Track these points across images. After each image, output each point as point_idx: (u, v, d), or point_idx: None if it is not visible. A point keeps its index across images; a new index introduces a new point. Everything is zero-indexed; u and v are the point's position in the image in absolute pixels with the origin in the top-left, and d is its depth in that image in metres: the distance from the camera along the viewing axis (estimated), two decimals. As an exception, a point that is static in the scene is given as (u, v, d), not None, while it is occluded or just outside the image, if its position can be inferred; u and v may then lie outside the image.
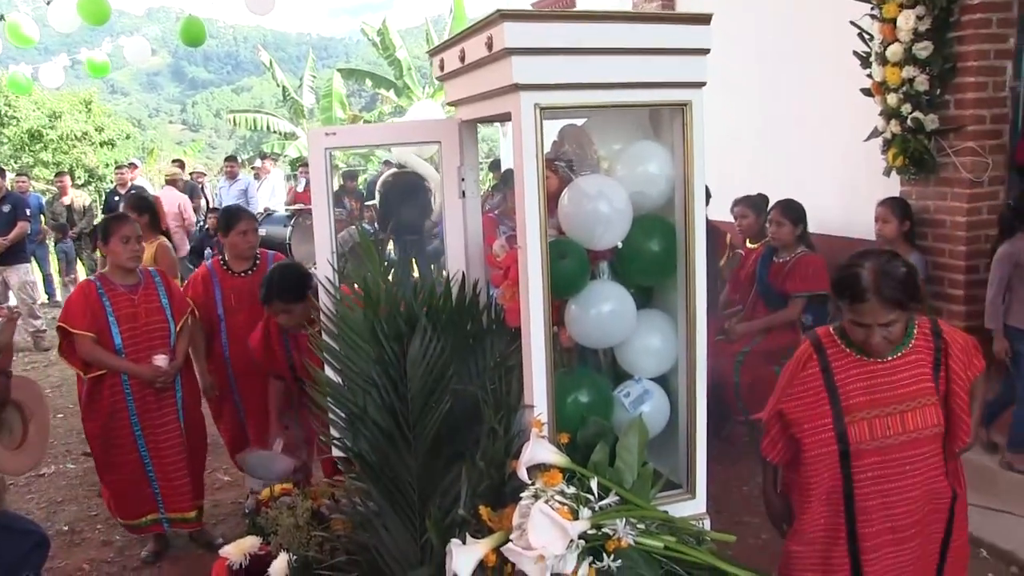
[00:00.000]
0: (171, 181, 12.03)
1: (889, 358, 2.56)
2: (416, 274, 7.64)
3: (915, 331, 2.61)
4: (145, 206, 5.75)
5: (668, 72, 2.30)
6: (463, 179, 2.90)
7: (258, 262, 4.87)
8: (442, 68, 2.76)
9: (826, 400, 2.58)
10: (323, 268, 2.92)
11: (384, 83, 21.41)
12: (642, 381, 2.56)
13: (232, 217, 4.89)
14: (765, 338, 5.56)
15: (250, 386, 4.70)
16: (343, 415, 2.83)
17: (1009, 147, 5.09)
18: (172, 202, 10.74)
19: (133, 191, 11.97)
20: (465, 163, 2.90)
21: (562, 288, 2.40)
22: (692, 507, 2.55)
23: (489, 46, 2.22)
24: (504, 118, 2.36)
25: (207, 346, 4.81)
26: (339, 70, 23.06)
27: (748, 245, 6.05)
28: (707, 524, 2.53)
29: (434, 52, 2.86)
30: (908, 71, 5.02)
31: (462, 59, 2.51)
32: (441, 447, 2.63)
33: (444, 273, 2.92)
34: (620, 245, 2.50)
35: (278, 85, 22.37)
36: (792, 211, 5.49)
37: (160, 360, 4.27)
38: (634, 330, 2.52)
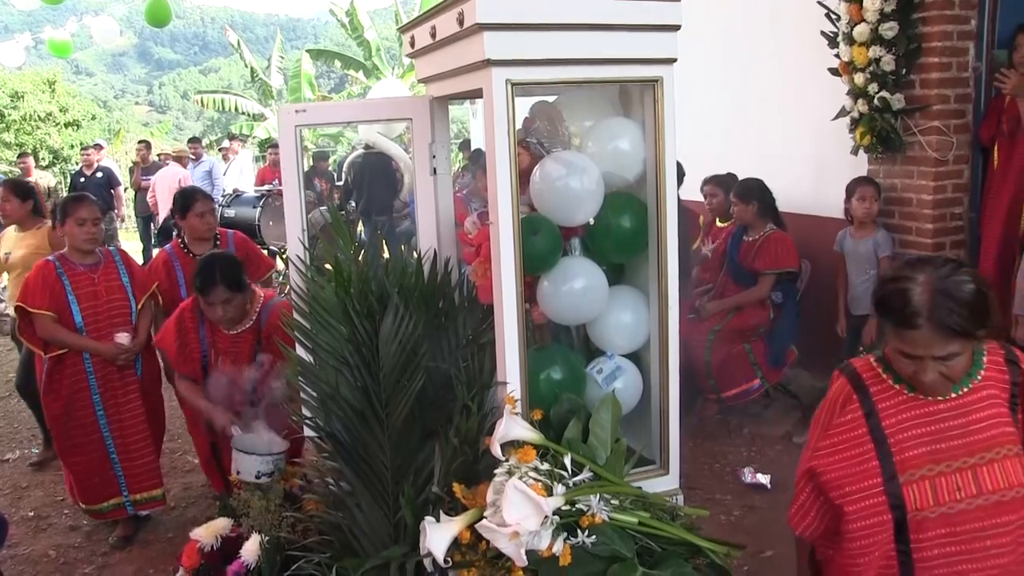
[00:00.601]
0: (177, 158, 12.12)
1: (952, 395, 1.96)
2: (387, 255, 7.62)
3: (984, 359, 2.00)
4: (26, 191, 5.62)
5: (639, 48, 2.30)
6: (434, 156, 2.89)
7: (218, 243, 4.84)
8: (413, 45, 2.74)
9: (873, 454, 1.97)
10: (294, 247, 2.90)
11: (353, 64, 21.20)
12: (614, 358, 2.57)
13: (188, 199, 4.84)
14: (736, 316, 5.61)
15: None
16: (315, 395, 2.82)
17: (972, 126, 5.16)
18: (174, 178, 10.97)
19: (100, 172, 11.86)
20: (436, 140, 2.88)
21: (534, 265, 2.40)
22: (665, 483, 2.57)
23: (460, 22, 2.21)
24: (475, 95, 2.35)
25: None
26: (308, 51, 22.78)
27: (718, 224, 6.09)
28: (680, 500, 2.54)
29: (404, 29, 2.84)
30: (874, 51, 5.06)
31: (433, 35, 2.49)
32: (414, 425, 2.63)
33: (415, 251, 2.90)
34: (592, 222, 2.50)
35: (246, 66, 22.10)
36: (748, 190, 5.54)
37: (122, 337, 4.22)
38: (606, 307, 2.52)
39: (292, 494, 3.26)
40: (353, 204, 9.54)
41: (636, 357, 2.63)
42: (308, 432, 2.95)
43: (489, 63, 2.15)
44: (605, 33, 2.25)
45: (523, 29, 2.17)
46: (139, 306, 4.37)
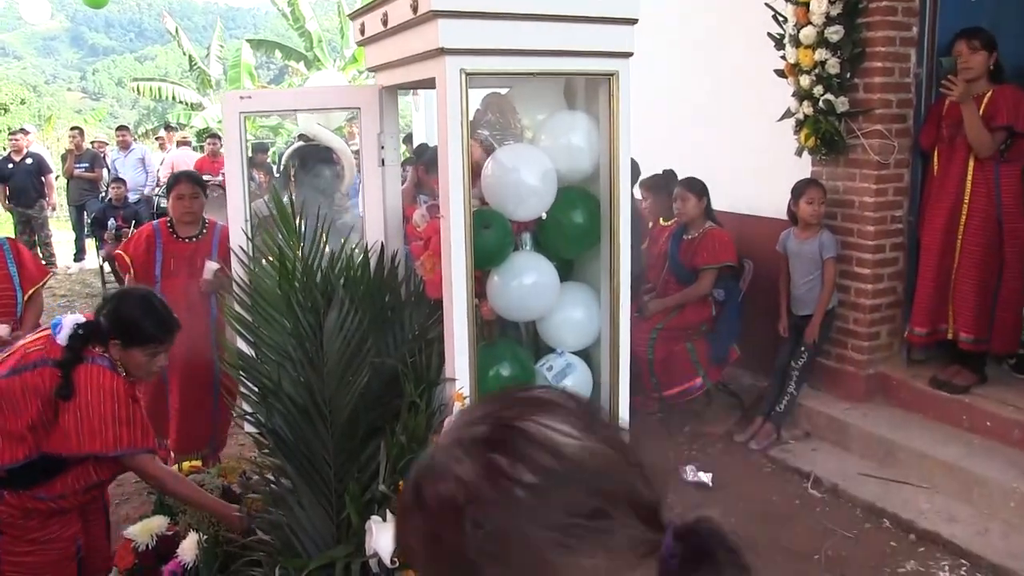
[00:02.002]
0: (182, 142, 12.35)
1: None
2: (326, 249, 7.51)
3: None
4: None
5: (596, 41, 2.27)
6: (383, 147, 2.82)
7: (205, 230, 4.71)
8: (363, 32, 2.67)
9: None
10: (236, 237, 2.81)
11: (294, 55, 20.90)
12: (564, 355, 2.53)
13: (172, 180, 4.82)
14: (678, 314, 5.63)
15: (179, 353, 4.52)
16: (256, 389, 2.74)
17: (913, 131, 5.24)
18: (187, 162, 11.26)
19: (29, 159, 11.49)
20: (385, 130, 2.82)
21: (484, 259, 2.36)
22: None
23: (415, 8, 2.15)
24: (427, 84, 2.29)
25: None
26: (248, 41, 22.43)
27: (661, 223, 6.10)
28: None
29: (355, 15, 2.76)
30: (820, 53, 5.10)
31: (384, 22, 2.43)
32: (358, 422, 2.57)
33: (360, 244, 2.83)
34: (544, 216, 2.46)
35: (184, 54, 21.66)
36: (696, 185, 5.57)
37: (1, 329, 4.06)
38: (557, 303, 2.49)
39: (230, 491, 3.17)
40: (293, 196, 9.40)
41: (586, 355, 2.60)
42: (248, 428, 2.88)
43: (443, 51, 2.09)
44: (562, 24, 2.21)
45: (478, 17, 2.12)
46: (25, 298, 4.21)
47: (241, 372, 2.73)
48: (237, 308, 2.74)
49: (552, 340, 2.56)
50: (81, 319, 2.95)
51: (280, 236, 2.63)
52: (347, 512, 2.31)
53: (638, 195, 5.99)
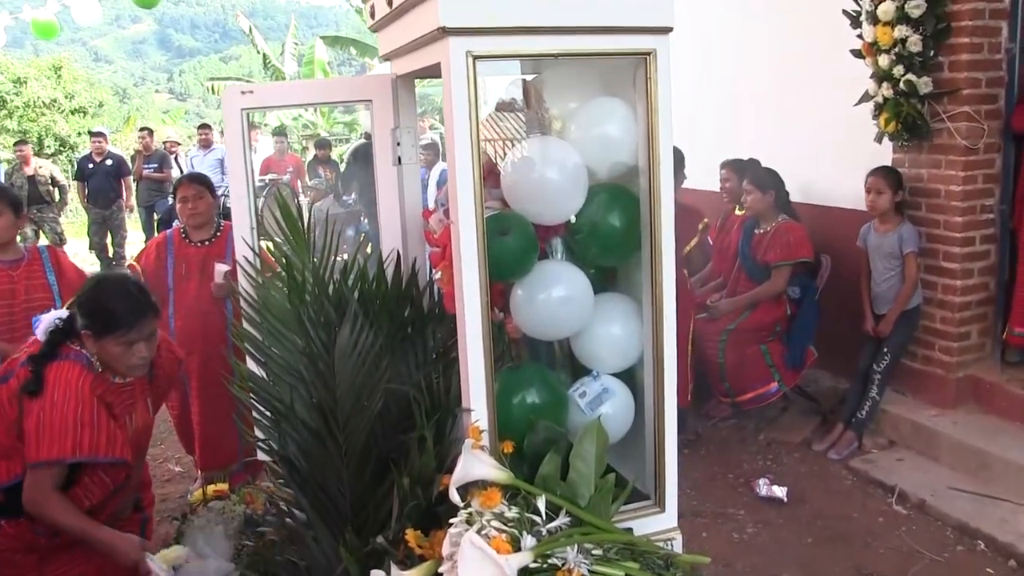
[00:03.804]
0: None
1: None
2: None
3: None
4: None
5: (628, 15, 1.94)
6: (398, 143, 2.53)
7: (219, 233, 4.56)
8: (372, 15, 2.39)
9: None
10: (241, 247, 2.57)
11: (371, 51, 20.81)
12: (601, 377, 2.21)
13: (176, 183, 4.71)
14: (750, 315, 5.27)
15: (194, 359, 4.41)
16: (268, 413, 2.49)
17: (1005, 113, 4.79)
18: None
19: (110, 160, 11.60)
20: (401, 125, 2.53)
21: (505, 269, 2.05)
22: (661, 522, 2.21)
23: (414, -17, 1.87)
24: (437, 72, 1.99)
25: None
26: (322, 38, 22.60)
27: (736, 212, 5.73)
28: (678, 543, 2.19)
29: (367, -1, 2.49)
30: (900, 30, 4.69)
31: (390, 2, 2.14)
32: (373, 450, 2.30)
33: (377, 252, 2.56)
34: (574, 219, 2.14)
35: (258, 52, 21.85)
36: (765, 178, 5.22)
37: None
38: (591, 318, 2.17)
39: (253, 519, 2.94)
40: (355, 195, 9.22)
41: (626, 376, 2.28)
42: (262, 456, 2.64)
43: (445, 32, 1.80)
44: (587, -3, 1.89)
45: (487, -9, 1.82)
46: (65, 306, 4.09)
47: (252, 395, 2.48)
48: (245, 325, 2.49)
49: (588, 360, 2.24)
50: (64, 314, 2.75)
51: (287, 245, 2.38)
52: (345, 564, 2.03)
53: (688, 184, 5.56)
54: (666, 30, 1.98)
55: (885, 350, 4.93)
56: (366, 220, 9.38)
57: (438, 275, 2.31)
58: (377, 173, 2.55)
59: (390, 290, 2.42)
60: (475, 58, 1.82)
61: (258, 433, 2.57)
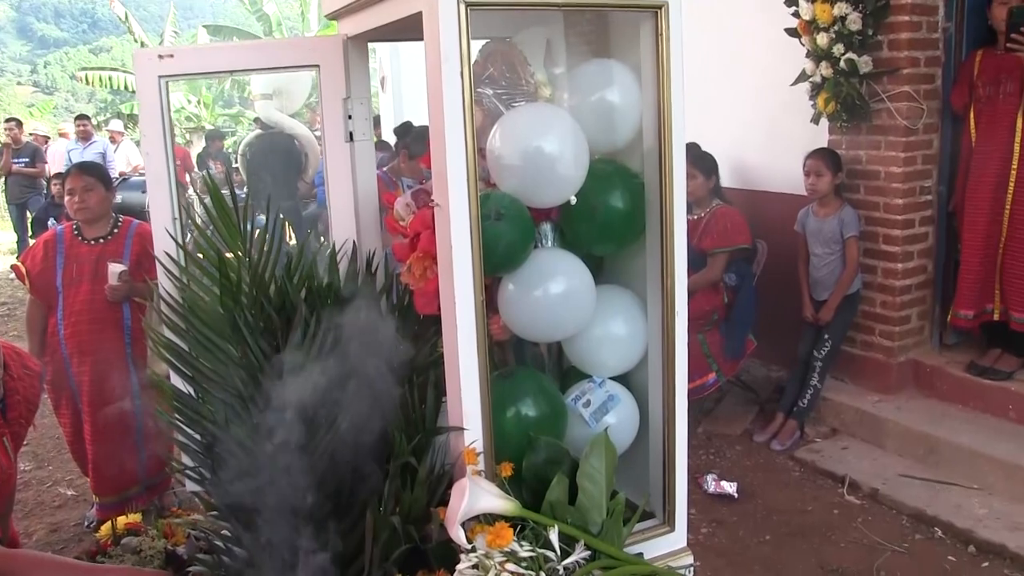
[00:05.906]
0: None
1: None
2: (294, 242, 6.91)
3: None
4: None
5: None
6: (350, 116, 2.17)
7: (116, 230, 4.11)
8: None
9: None
10: (162, 240, 2.17)
11: (252, 39, 20.09)
12: (604, 384, 1.91)
13: (65, 174, 4.37)
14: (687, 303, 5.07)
15: (86, 370, 4.00)
16: (197, 437, 2.11)
17: (943, 92, 4.71)
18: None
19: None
20: (353, 95, 2.17)
21: (498, 260, 1.73)
22: (670, 542, 1.94)
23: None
24: (408, 34, 1.65)
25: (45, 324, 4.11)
26: (204, 26, 21.67)
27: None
28: (692, 571, 1.92)
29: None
30: (840, 8, 4.54)
31: (346, -56, 1.79)
32: (332, 479, 1.95)
33: (325, 242, 2.20)
34: (573, 201, 1.83)
35: (136, 41, 20.77)
36: (704, 162, 5.03)
37: None
38: (593, 315, 1.87)
39: (176, 556, 2.54)
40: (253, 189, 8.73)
41: (626, 380, 1.99)
42: (191, 486, 2.25)
43: (434, -28, 1.46)
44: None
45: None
46: None
47: (176, 415, 2.09)
48: (167, 333, 2.10)
49: (586, 364, 1.93)
50: None
51: (219, 239, 1.99)
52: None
53: None
54: (680, -21, 1.69)
55: (826, 336, 4.80)
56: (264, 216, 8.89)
57: (404, 269, 1.96)
58: (326, 150, 2.18)
59: (343, 287, 2.06)
60: (469, 6, 1.49)
61: (186, 460, 2.18)
